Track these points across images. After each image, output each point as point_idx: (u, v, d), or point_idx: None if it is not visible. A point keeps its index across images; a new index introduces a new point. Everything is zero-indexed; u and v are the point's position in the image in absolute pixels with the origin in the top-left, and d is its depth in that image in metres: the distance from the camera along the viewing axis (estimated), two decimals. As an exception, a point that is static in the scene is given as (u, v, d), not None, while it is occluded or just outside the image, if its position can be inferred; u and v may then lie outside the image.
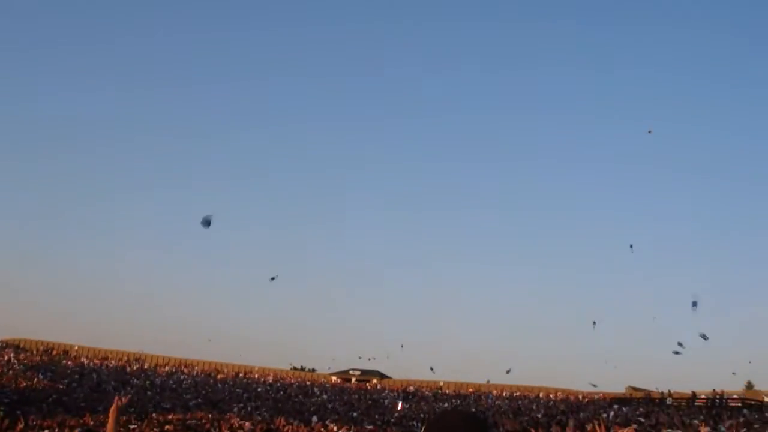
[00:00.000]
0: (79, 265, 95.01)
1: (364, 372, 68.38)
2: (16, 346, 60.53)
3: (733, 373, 48.23)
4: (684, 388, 49.94)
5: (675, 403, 46.64)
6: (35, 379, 49.90)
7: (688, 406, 45.37)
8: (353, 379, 67.55)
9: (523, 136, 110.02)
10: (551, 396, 58.85)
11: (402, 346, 58.32)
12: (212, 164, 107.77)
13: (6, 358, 55.47)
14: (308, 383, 62.71)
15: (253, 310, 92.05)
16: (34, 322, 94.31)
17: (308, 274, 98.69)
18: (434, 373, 58.65)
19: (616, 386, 59.41)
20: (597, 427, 18.95)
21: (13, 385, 46.94)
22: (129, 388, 53.21)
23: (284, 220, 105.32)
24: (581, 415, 46.99)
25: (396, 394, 59.75)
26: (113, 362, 60.69)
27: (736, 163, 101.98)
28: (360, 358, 61.98)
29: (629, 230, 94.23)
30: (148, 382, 55.86)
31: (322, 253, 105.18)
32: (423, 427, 2.32)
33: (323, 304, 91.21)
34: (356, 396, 58.41)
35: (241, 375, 62.62)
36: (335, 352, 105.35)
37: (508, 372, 54.42)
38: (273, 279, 42.01)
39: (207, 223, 29.65)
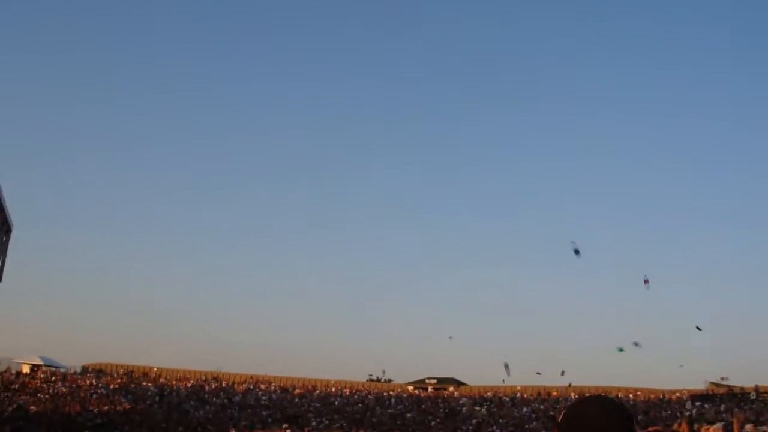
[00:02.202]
0: (155, 290, 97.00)
1: (440, 380, 67.65)
2: (98, 371, 61.87)
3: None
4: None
5: (761, 398, 44.44)
6: (117, 402, 50.99)
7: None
8: (429, 388, 66.85)
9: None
10: (630, 396, 56.88)
11: (450, 337, 57.05)
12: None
13: (89, 382, 56.80)
14: (385, 394, 62.32)
15: (327, 325, 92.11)
16: (114, 346, 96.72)
17: (383, 287, 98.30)
18: (509, 376, 57.75)
19: (695, 382, 57.27)
20: (683, 426, 18.02)
21: (97, 409, 48.08)
22: (208, 407, 53.89)
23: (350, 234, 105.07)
24: (663, 414, 45.53)
25: (473, 400, 58.92)
26: (192, 382, 61.51)
27: None
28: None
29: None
30: (226, 400, 56.44)
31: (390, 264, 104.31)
32: (561, 415, 2.14)
33: (395, 315, 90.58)
34: (433, 404, 57.79)
35: (317, 389, 62.65)
36: (410, 361, 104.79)
37: (562, 374, 54.14)
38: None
39: (576, 252, 34.99)
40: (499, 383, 63.40)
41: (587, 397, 2.19)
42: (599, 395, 2.19)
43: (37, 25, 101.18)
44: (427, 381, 68.05)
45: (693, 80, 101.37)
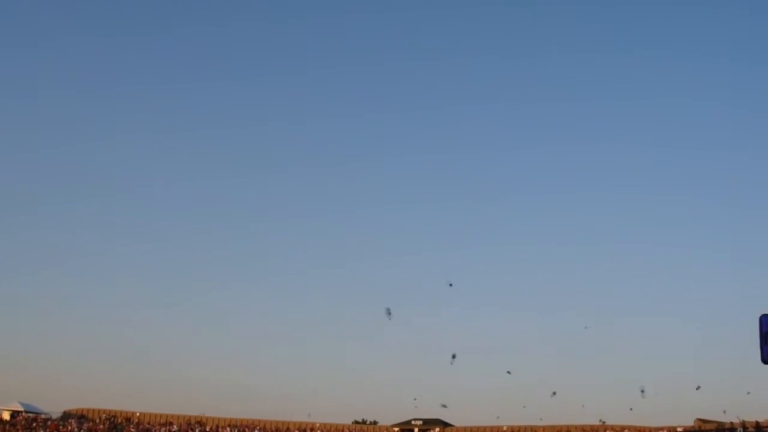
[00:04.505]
0: (136, 333, 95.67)
1: (426, 422, 67.20)
2: (80, 417, 60.89)
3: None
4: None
5: (749, 433, 44.97)
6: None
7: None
8: (416, 430, 66.41)
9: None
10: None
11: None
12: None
13: (71, 428, 55.89)
14: (370, 437, 61.91)
15: (312, 366, 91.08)
16: (96, 391, 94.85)
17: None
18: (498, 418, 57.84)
19: (684, 418, 57.38)
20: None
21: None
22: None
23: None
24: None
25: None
26: (175, 427, 60.69)
27: None
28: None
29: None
30: (211, 445, 55.80)
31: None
32: None
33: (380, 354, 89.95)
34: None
35: (303, 432, 62.14)
36: (395, 402, 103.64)
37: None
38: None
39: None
40: (486, 423, 63.30)
41: None
42: None
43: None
44: (413, 423, 67.56)
45: None
